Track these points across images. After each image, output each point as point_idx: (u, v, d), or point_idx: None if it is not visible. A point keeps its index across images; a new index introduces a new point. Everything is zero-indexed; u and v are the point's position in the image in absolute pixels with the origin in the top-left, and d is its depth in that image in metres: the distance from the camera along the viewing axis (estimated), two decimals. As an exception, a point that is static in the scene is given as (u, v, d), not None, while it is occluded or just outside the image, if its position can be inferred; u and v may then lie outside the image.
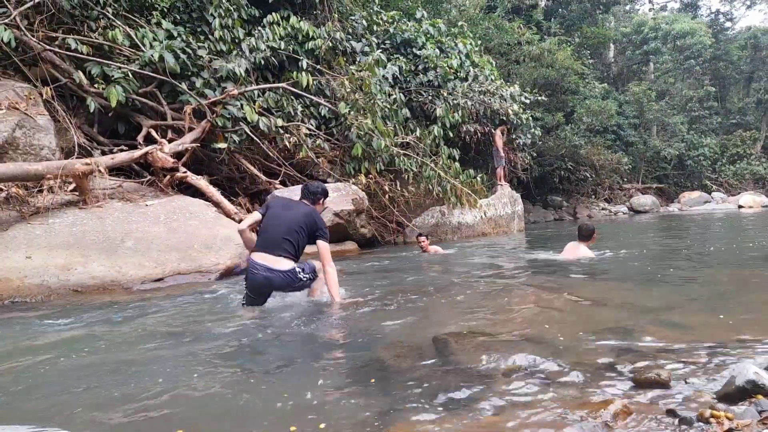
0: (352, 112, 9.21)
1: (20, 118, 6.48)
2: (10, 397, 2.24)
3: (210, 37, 8.91)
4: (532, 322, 3.25)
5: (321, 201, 4.02)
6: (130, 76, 7.73)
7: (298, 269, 3.54)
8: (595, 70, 25.53)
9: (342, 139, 9.68)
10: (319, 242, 3.47)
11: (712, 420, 1.62)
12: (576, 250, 6.07)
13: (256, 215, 3.71)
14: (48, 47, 7.44)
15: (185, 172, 7.41)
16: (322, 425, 1.84)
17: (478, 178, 11.32)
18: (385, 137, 9.19)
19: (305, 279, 3.61)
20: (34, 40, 7.31)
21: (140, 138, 7.83)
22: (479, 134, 12.63)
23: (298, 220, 3.52)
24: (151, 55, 7.78)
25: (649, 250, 7.36)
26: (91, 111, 7.49)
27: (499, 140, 13.00)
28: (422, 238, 7.98)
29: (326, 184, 8.76)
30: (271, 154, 8.92)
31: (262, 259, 3.43)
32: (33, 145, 6.54)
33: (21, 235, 5.35)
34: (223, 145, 8.19)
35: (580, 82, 21.92)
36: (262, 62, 9.13)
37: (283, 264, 3.43)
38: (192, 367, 2.59)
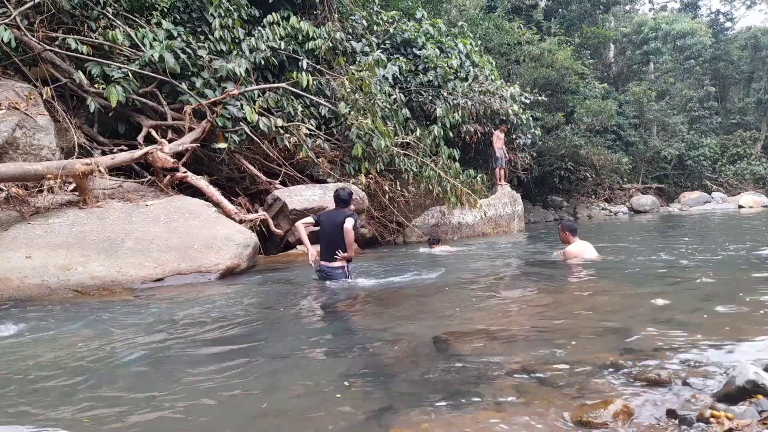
0: (352, 112, 9.20)
1: (20, 118, 6.48)
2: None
3: (210, 37, 8.89)
4: (531, 322, 3.25)
5: (352, 201, 5.53)
6: (130, 76, 7.72)
7: (342, 268, 5.24)
8: (595, 70, 25.46)
9: (342, 139, 9.67)
10: (346, 219, 5.10)
11: (712, 420, 1.61)
12: (579, 251, 6.01)
13: (309, 219, 5.41)
14: (48, 47, 7.43)
15: (185, 172, 7.40)
16: (323, 424, 1.84)
17: (478, 178, 11.32)
18: (385, 137, 9.18)
19: (346, 271, 5.28)
20: (34, 40, 7.30)
21: (140, 138, 7.82)
22: (479, 134, 12.61)
23: (339, 228, 5.09)
24: (151, 55, 7.77)
25: (649, 250, 7.36)
26: (91, 111, 7.48)
27: (499, 140, 13.00)
28: (435, 244, 8.42)
29: (326, 184, 8.80)
30: (271, 154, 8.91)
31: (324, 262, 5.23)
32: (33, 145, 6.54)
33: (21, 235, 5.35)
34: (223, 145, 8.19)
35: (580, 82, 21.88)
36: (262, 62, 9.12)
37: (334, 264, 5.19)
38: (194, 364, 2.59)
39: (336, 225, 5.13)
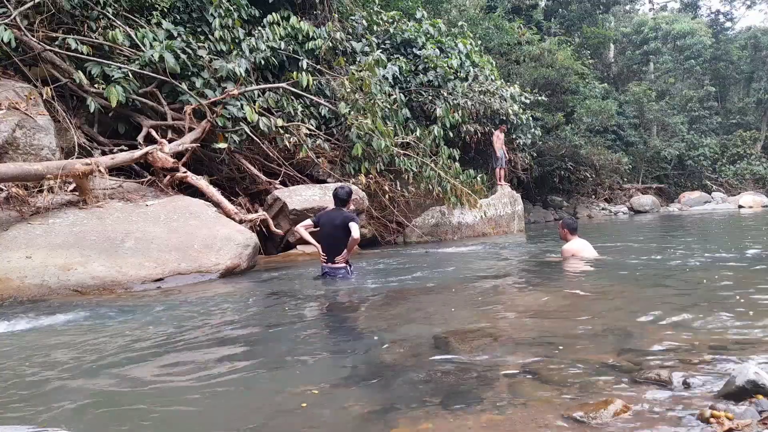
0: (352, 112, 9.20)
1: (20, 118, 6.48)
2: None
3: (210, 37, 8.89)
4: (532, 322, 3.25)
5: (350, 200, 5.48)
6: (130, 76, 7.72)
7: (345, 268, 5.25)
8: (595, 70, 25.45)
9: (342, 139, 9.67)
10: (351, 224, 5.02)
11: (712, 420, 1.62)
12: (577, 249, 6.00)
13: (308, 222, 5.42)
14: (48, 47, 7.43)
15: (185, 172, 7.40)
16: (323, 424, 1.84)
17: (478, 178, 11.31)
18: (385, 137, 9.18)
19: (348, 272, 5.30)
20: (34, 40, 7.30)
21: (140, 138, 7.81)
22: (479, 134, 12.61)
23: (339, 230, 5.07)
24: (151, 55, 7.77)
25: (649, 250, 7.36)
26: (91, 111, 7.47)
27: (499, 140, 13.00)
28: None
29: (326, 184, 8.80)
30: (271, 154, 8.91)
31: (327, 263, 5.22)
32: (33, 145, 6.53)
33: (21, 235, 5.34)
34: (223, 145, 8.18)
35: (580, 82, 21.87)
36: (262, 62, 9.12)
37: (337, 265, 5.19)
38: (193, 364, 2.59)
39: (336, 227, 5.09)
